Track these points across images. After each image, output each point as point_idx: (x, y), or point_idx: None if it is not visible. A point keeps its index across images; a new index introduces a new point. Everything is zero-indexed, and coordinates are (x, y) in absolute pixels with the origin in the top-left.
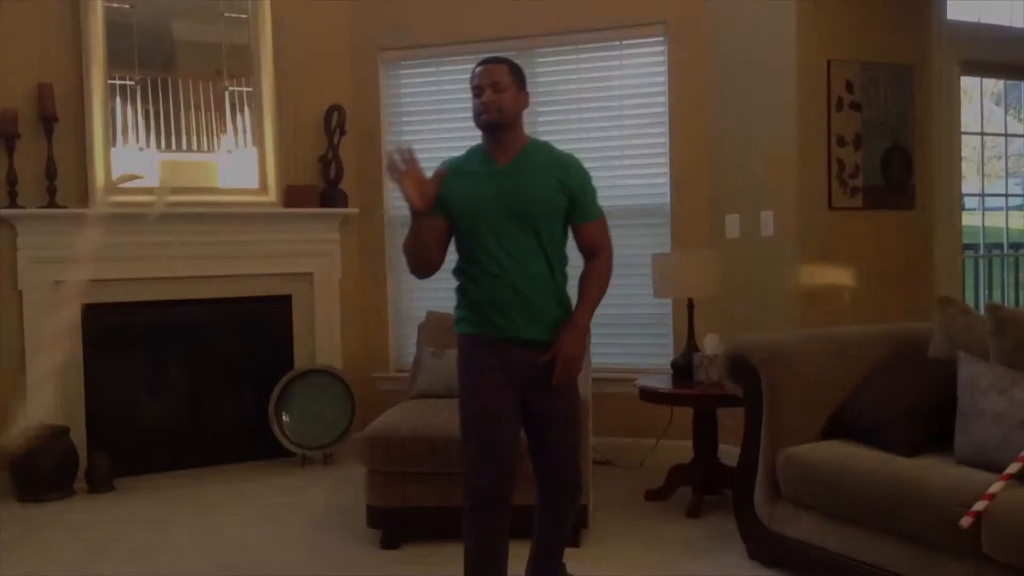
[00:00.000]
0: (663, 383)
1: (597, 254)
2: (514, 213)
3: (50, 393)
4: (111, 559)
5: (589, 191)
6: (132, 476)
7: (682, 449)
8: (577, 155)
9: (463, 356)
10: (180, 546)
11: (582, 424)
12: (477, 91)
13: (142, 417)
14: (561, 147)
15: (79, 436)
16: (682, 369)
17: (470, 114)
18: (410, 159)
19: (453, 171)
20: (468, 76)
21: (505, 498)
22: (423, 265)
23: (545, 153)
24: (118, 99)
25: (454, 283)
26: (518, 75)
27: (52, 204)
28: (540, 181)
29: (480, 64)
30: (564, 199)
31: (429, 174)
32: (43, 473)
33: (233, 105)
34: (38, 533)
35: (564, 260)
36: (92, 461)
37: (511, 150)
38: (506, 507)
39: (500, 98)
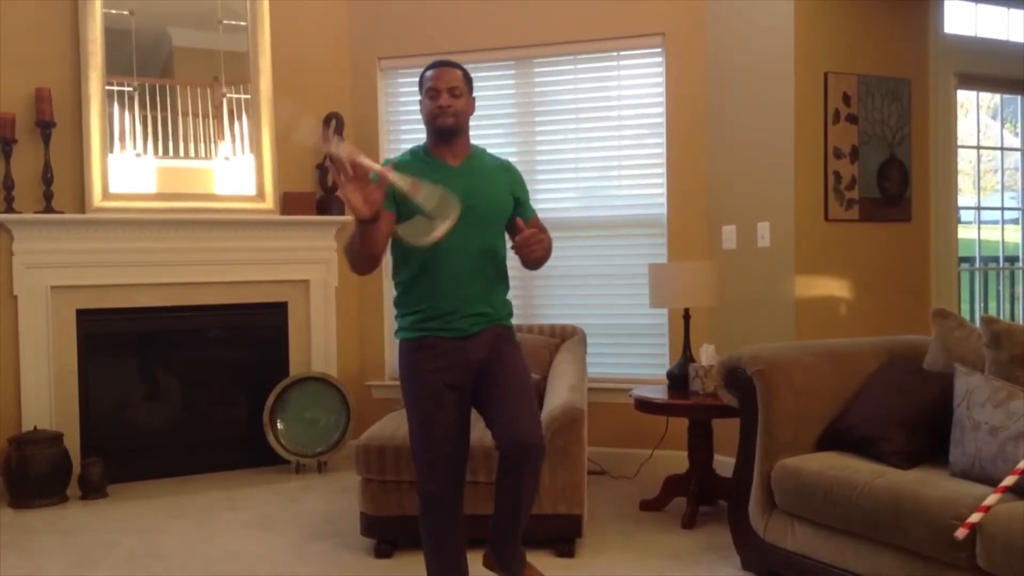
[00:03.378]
0: (658, 393)
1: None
2: (471, 214)
3: None
4: (104, 566)
5: (527, 193)
6: (125, 482)
7: (677, 459)
8: (575, 165)
9: (405, 361)
10: (173, 553)
11: (534, 391)
12: (433, 93)
13: (136, 423)
14: (559, 157)
15: (72, 442)
16: (678, 379)
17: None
18: (356, 164)
19: (404, 170)
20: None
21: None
22: (370, 264)
23: (490, 157)
24: (116, 105)
25: None
26: (469, 81)
27: (48, 209)
28: (493, 183)
29: (433, 67)
30: (512, 200)
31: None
32: (36, 479)
33: (231, 112)
34: (31, 539)
35: (504, 257)
36: (85, 467)
37: (461, 154)
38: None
39: (456, 103)
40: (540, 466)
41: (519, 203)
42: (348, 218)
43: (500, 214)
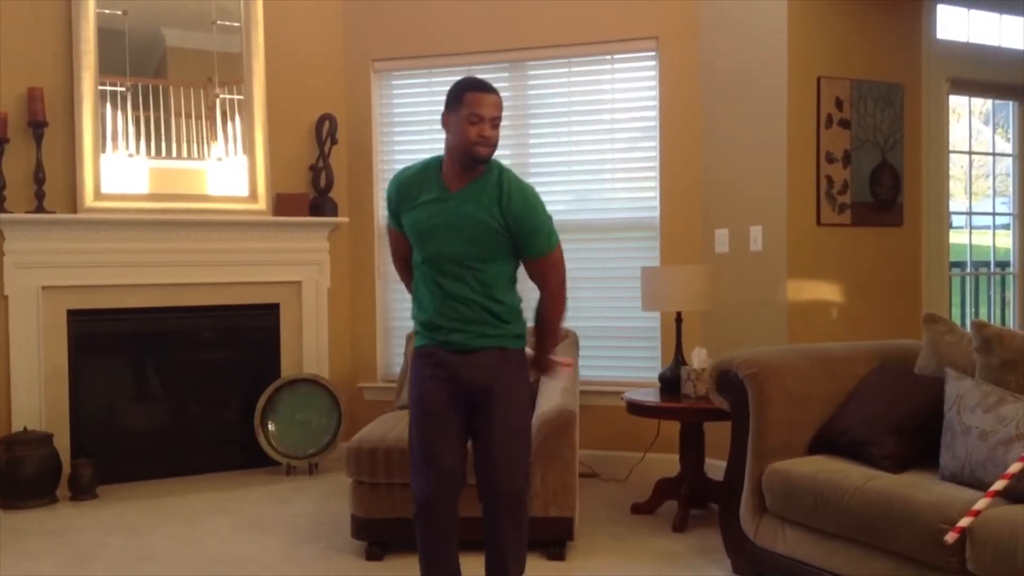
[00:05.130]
0: (650, 396)
1: (543, 287)
2: (455, 232)
3: None
4: (93, 567)
5: (531, 225)
6: (116, 484)
7: (669, 463)
8: (568, 168)
9: (414, 365)
10: (163, 554)
11: (528, 435)
12: (475, 119)
13: (127, 424)
14: (552, 160)
15: (62, 443)
16: (669, 383)
17: None
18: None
19: (407, 189)
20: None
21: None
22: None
23: (497, 182)
24: (108, 105)
25: None
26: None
27: (40, 209)
28: (481, 206)
29: (476, 89)
30: (496, 224)
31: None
32: (26, 480)
33: (224, 113)
34: (20, 540)
35: (504, 279)
36: (75, 468)
37: (470, 177)
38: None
39: (494, 134)
40: (520, 517)
41: (512, 234)
42: (340, 219)
43: (480, 234)
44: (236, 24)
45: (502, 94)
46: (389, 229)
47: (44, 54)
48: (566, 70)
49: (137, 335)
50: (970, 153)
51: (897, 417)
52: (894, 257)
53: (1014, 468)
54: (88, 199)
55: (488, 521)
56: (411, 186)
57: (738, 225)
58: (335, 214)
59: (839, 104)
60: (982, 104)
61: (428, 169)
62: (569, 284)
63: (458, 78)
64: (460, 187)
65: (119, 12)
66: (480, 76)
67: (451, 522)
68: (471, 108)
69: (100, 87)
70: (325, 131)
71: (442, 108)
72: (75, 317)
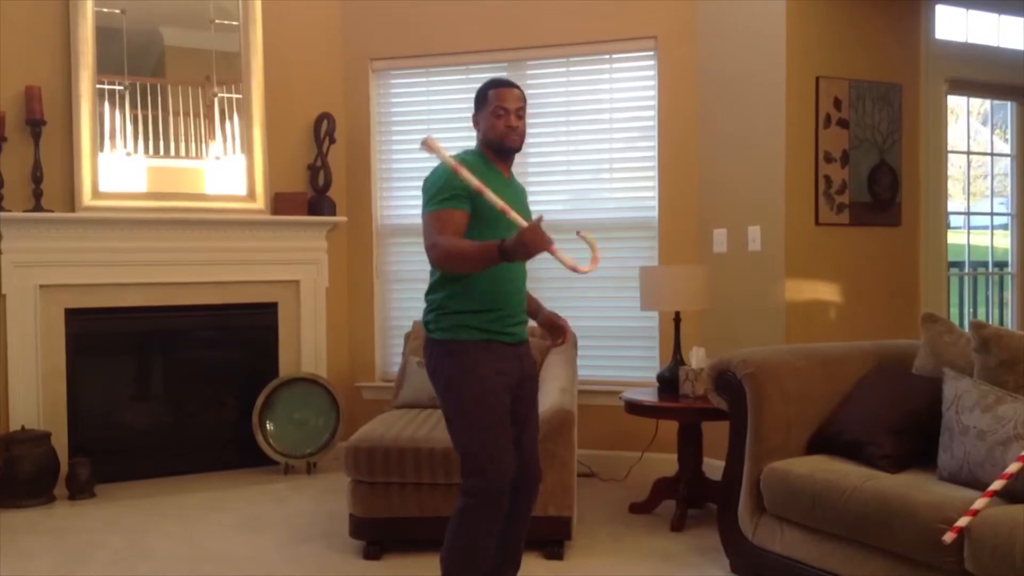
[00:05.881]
0: (649, 396)
1: None
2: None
3: None
4: (91, 567)
5: None
6: (113, 483)
7: (667, 462)
8: (566, 168)
9: (471, 361)
10: (160, 554)
11: None
12: (502, 112)
13: (125, 423)
14: (551, 160)
15: (60, 442)
16: (668, 382)
17: (460, 125)
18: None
19: (479, 172)
20: (459, 87)
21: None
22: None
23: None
24: (106, 104)
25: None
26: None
27: (38, 208)
28: (526, 200)
29: (499, 86)
30: None
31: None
32: (23, 479)
33: (222, 112)
34: (17, 540)
35: None
36: (73, 467)
37: (507, 170)
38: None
39: (521, 124)
40: None
41: None
42: (339, 219)
43: None
44: (234, 23)
45: None
46: (451, 212)
47: (42, 53)
48: (564, 70)
49: (135, 334)
50: (968, 153)
51: (895, 417)
52: (892, 257)
53: (1012, 468)
54: (86, 198)
55: (517, 505)
56: (479, 169)
57: (736, 225)
58: (333, 213)
59: (837, 104)
60: (980, 104)
61: (476, 158)
62: (567, 283)
63: (456, 77)
64: (508, 177)
65: (117, 11)
66: (477, 75)
67: None
68: (496, 102)
69: (98, 86)
70: (323, 130)
71: (441, 107)
72: (73, 316)
